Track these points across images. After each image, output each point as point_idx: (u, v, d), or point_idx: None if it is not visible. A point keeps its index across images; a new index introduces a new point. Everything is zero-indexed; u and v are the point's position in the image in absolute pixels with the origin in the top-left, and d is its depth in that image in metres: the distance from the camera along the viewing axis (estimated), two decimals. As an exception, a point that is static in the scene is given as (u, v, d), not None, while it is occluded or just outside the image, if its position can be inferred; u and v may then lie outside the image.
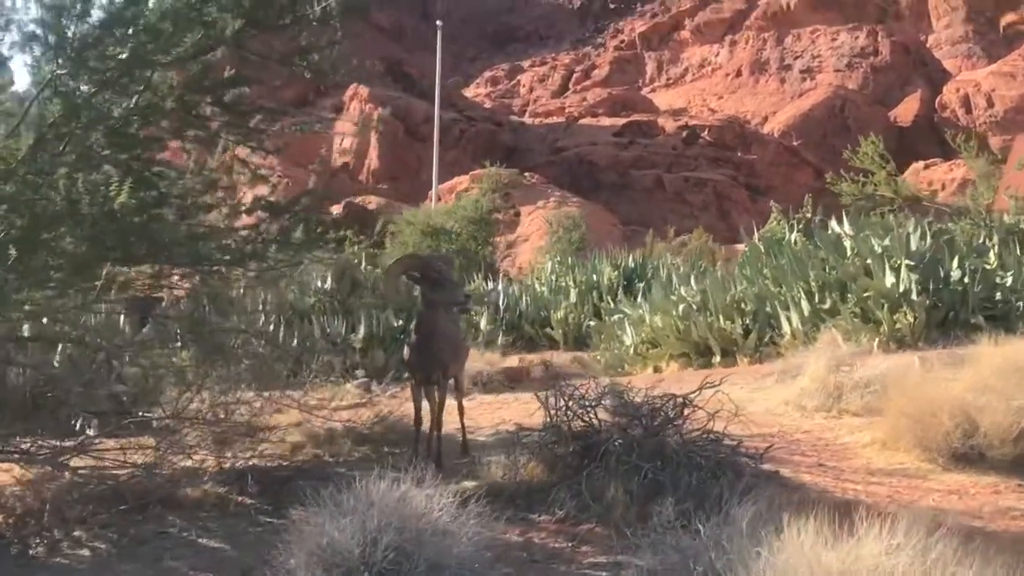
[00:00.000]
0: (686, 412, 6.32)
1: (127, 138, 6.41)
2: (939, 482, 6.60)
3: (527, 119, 67.75)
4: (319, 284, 15.78)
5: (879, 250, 11.90)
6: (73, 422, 7.54)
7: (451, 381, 7.38)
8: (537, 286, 20.60)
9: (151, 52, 5.98)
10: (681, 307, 13.42)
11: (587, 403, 6.27)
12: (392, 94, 60.10)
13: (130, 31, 5.92)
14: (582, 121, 65.04)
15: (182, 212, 6.88)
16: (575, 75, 75.18)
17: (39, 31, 5.73)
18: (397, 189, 52.58)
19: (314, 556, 4.25)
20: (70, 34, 5.69)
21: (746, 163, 60.76)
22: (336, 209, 50.37)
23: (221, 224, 6.97)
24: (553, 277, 20.61)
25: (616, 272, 19.37)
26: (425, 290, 6.78)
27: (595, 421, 6.23)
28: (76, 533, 5.51)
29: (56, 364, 8.35)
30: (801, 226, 14.42)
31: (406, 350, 6.89)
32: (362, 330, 14.28)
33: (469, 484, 6.25)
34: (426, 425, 7.09)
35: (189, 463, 6.68)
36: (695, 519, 4.79)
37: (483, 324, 16.69)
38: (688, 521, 4.95)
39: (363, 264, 16.78)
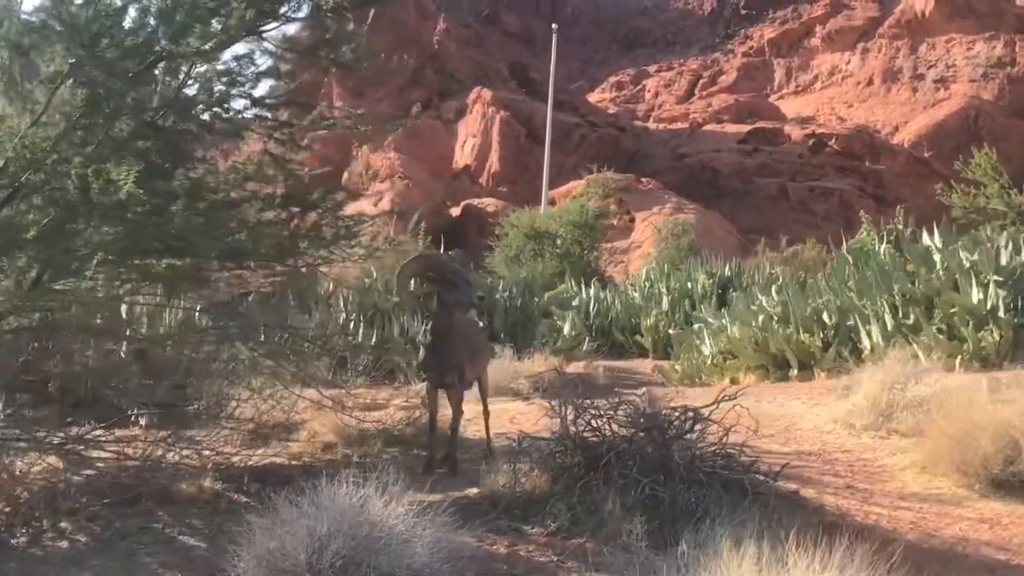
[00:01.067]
0: (698, 426, 6.05)
1: (155, 130, 6.43)
2: (973, 509, 6.24)
3: (651, 124, 67.19)
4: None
5: (967, 264, 11.38)
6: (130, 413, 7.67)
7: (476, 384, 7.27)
8: (631, 292, 20.34)
9: (171, 40, 5.98)
10: (760, 318, 13.05)
11: (598, 413, 6.07)
12: (515, 97, 60.27)
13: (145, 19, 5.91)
14: (706, 127, 64.24)
15: (214, 206, 6.84)
16: (702, 81, 74.36)
17: (47, 19, 5.73)
18: (516, 192, 52.61)
19: (263, 560, 4.17)
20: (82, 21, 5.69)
21: (874, 173, 59.19)
22: (455, 211, 50.86)
23: (251, 219, 6.93)
24: (647, 284, 20.32)
25: (711, 280, 18.98)
26: (440, 291, 6.68)
27: (607, 432, 6.03)
28: (63, 525, 5.50)
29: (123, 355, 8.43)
30: (892, 237, 13.86)
31: (421, 351, 6.80)
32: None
33: (471, 492, 6.15)
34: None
35: (194, 460, 6.64)
36: (680, 538, 4.61)
37: (566, 329, 16.48)
38: (671, 540, 4.78)
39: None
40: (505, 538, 5.44)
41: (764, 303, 13.48)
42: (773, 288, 14.43)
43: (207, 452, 6.85)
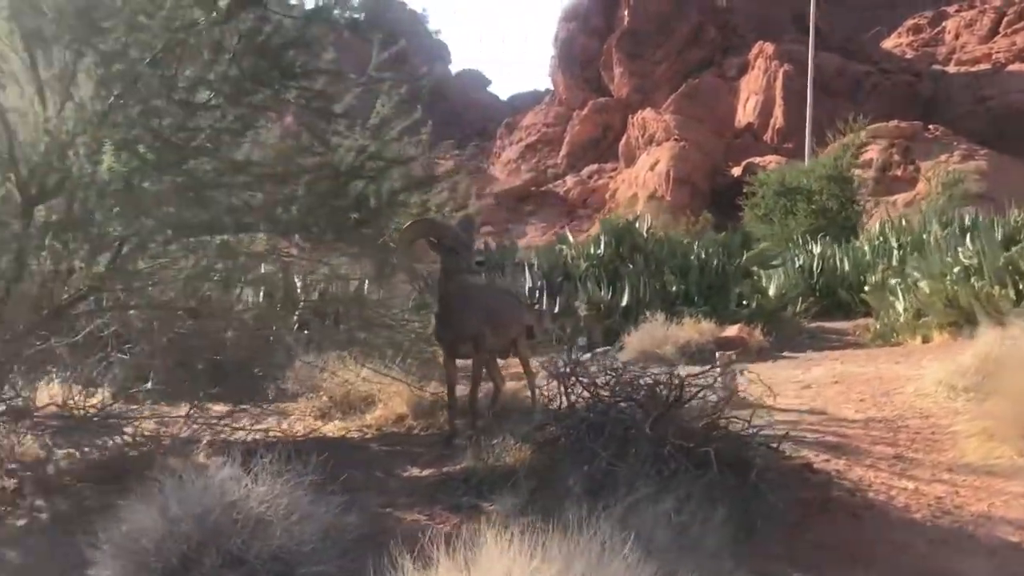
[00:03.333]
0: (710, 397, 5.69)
1: (183, 106, 6.55)
2: (1021, 482, 5.51)
3: (950, 68, 62.84)
4: (593, 249, 15.68)
5: None
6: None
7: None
8: (867, 248, 19.16)
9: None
10: (956, 270, 12.03)
11: (589, 384, 5.82)
12: (799, 49, 58.03)
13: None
14: (1011, 67, 59.38)
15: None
16: (1007, 18, 68.69)
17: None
18: (801, 148, 50.80)
19: (117, 545, 4.19)
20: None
21: None
22: (736, 170, 49.69)
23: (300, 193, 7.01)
24: (880, 239, 19.09)
25: (945, 231, 17.56)
26: (441, 256, 6.45)
27: (598, 402, 5.76)
28: (38, 503, 5.68)
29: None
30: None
31: (432, 319, 6.66)
32: (626, 296, 14.04)
33: (456, 468, 6.03)
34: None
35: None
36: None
37: (771, 290, 15.77)
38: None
39: (646, 228, 16.36)
40: (457, 516, 5.28)
41: (961, 255, 12.38)
42: (968, 237, 13.19)
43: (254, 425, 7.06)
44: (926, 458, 6.03)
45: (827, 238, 21.74)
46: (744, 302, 14.67)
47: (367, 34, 8.01)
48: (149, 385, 8.05)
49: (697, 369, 6.05)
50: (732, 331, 11.36)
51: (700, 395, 5.75)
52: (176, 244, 6.93)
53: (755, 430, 5.65)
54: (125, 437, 6.69)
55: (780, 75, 54.41)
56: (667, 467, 5.17)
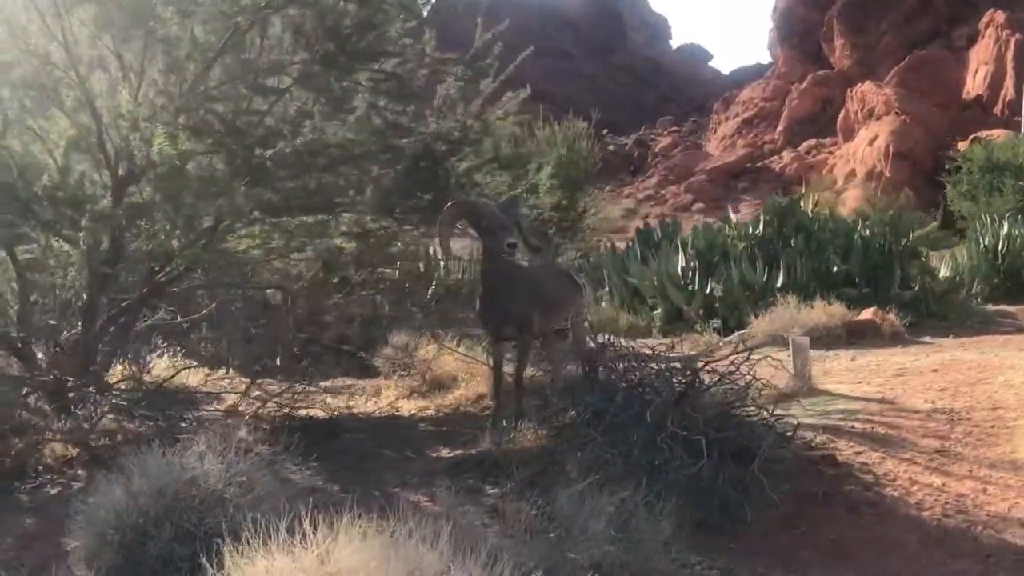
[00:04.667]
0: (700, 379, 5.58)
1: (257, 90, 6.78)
2: None
3: None
4: (752, 229, 15.34)
5: None
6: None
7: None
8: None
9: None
10: None
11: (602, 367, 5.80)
12: (1033, 17, 54.49)
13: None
14: None
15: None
16: None
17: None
18: (1037, 121, 47.76)
19: (85, 516, 4.39)
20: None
21: None
22: (962, 145, 47.20)
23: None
24: (1078, 215, 17.85)
25: None
26: (482, 238, 6.31)
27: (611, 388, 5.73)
28: (79, 472, 5.90)
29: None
30: None
31: (477, 302, 6.56)
32: (781, 277, 13.70)
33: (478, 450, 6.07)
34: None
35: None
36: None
37: (943, 271, 15.03)
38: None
39: (810, 207, 15.88)
40: (454, 498, 5.32)
41: None
42: None
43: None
44: (971, 453, 5.71)
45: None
46: (913, 284, 14.03)
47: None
48: (278, 362, 8.50)
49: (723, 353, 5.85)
50: (866, 314, 10.92)
51: (720, 383, 5.60)
52: (259, 225, 7.22)
53: (773, 420, 5.48)
54: (203, 412, 7.01)
55: (1012, 44, 51.22)
56: (660, 455, 5.08)
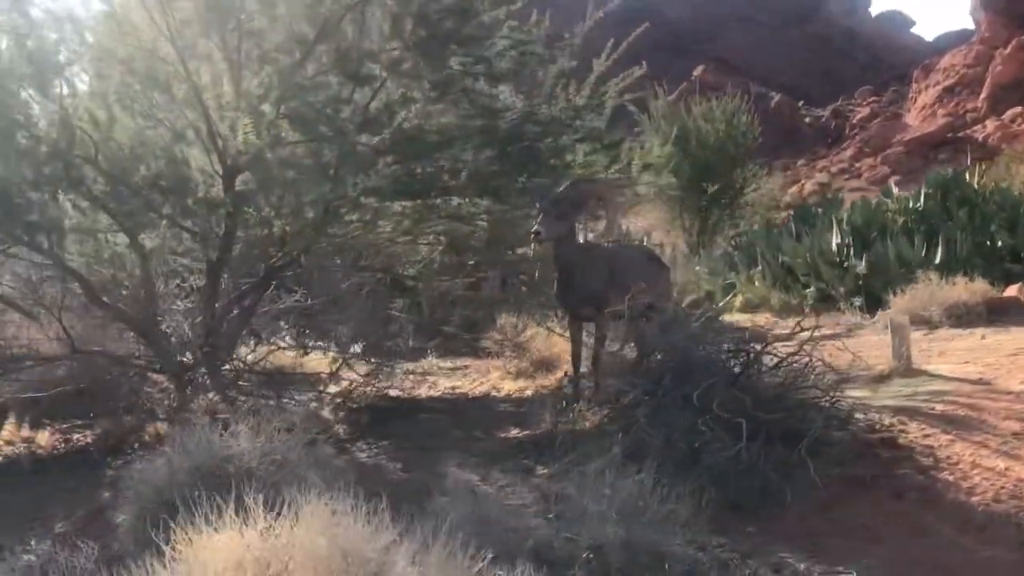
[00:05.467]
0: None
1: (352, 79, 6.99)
2: None
3: None
4: (912, 203, 14.80)
5: None
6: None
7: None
8: None
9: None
10: None
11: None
12: None
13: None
14: None
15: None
16: None
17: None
18: None
19: (130, 490, 4.65)
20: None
21: None
22: None
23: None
24: None
25: None
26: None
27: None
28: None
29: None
30: None
31: (554, 282, 6.67)
32: (939, 253, 13.19)
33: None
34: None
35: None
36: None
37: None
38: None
39: (977, 180, 15.19)
40: (507, 476, 5.46)
41: None
42: None
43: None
44: (1056, 441, 5.45)
45: None
46: None
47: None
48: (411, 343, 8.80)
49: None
50: (1011, 291, 10.42)
51: (782, 365, 5.55)
52: (359, 212, 7.44)
53: (830, 402, 5.39)
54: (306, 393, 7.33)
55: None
56: (701, 438, 5.08)
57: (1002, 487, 4.88)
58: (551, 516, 4.32)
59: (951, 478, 5.02)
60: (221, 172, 6.66)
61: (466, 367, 9.10)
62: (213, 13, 6.55)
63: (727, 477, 4.91)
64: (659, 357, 5.74)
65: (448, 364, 9.31)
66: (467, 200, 7.64)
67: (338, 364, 7.57)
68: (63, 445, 6.79)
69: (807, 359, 5.65)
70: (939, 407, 6.01)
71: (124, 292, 6.99)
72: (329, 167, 6.68)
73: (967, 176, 15.14)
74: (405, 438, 6.20)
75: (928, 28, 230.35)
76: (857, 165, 51.20)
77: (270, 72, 6.55)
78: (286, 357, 8.15)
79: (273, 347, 7.99)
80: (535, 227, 6.08)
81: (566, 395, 6.60)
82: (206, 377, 6.89)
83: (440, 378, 8.65)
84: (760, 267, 14.72)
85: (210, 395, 6.66)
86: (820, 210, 16.01)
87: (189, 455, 4.67)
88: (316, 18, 6.55)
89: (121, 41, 6.51)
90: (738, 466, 4.94)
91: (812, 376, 5.57)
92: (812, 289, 13.59)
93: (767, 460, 4.99)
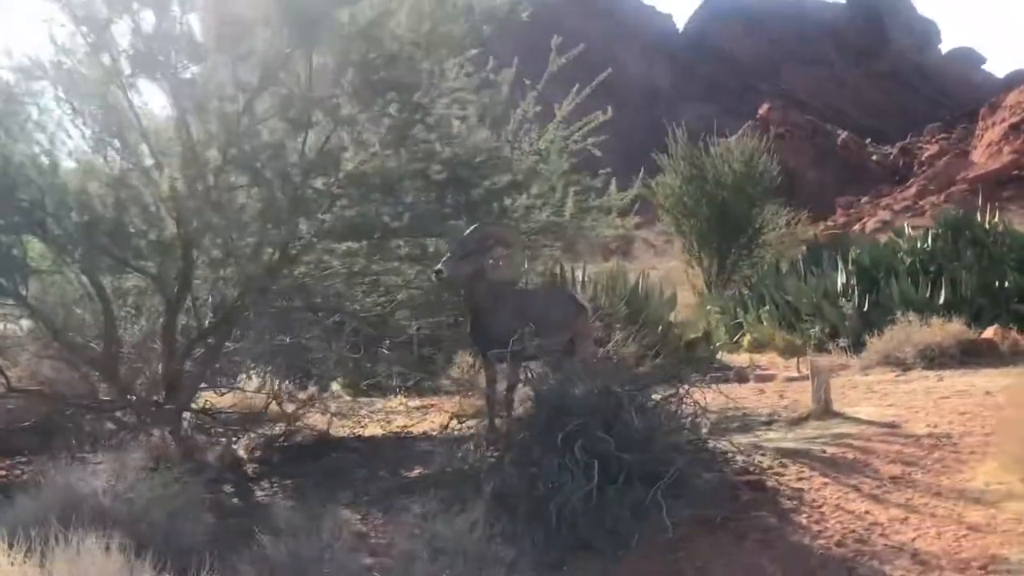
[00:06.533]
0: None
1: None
2: (989, 514, 4.95)
3: None
4: (919, 244, 14.67)
5: None
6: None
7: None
8: None
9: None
10: None
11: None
12: None
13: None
14: None
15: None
16: None
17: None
18: None
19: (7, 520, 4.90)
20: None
21: None
22: None
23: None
24: None
25: None
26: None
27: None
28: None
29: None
30: None
31: (469, 324, 6.77)
32: (943, 293, 13.05)
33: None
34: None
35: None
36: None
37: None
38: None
39: (986, 219, 15.01)
40: (385, 516, 5.58)
41: None
42: None
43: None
44: (929, 480, 5.48)
45: None
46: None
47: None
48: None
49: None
50: (988, 333, 10.33)
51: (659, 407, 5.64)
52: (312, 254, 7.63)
53: (699, 444, 5.47)
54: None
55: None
56: (563, 478, 5.17)
57: (852, 531, 4.91)
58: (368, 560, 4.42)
59: (805, 521, 5.06)
60: (174, 215, 6.84)
61: (431, 406, 9.23)
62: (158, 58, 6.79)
63: (577, 517, 4.98)
64: (535, 398, 5.79)
65: (416, 403, 9.45)
66: (410, 241, 7.78)
67: (269, 402, 7.67)
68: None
69: (690, 401, 5.71)
70: (831, 450, 6.05)
71: (78, 335, 7.23)
72: (279, 210, 6.87)
73: (978, 216, 14.95)
74: (309, 477, 6.35)
75: (1000, 65, 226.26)
76: (921, 203, 50.47)
77: (215, 118, 6.79)
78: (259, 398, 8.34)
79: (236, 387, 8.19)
80: (438, 266, 6.22)
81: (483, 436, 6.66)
82: (155, 417, 7.10)
83: (399, 417, 8.78)
84: (768, 307, 14.69)
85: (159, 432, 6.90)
86: (829, 251, 15.92)
87: (56, 490, 4.87)
88: (258, 65, 6.78)
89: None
90: (589, 506, 5.01)
91: (688, 419, 5.62)
92: (816, 329, 13.52)
93: (624, 501, 5.05)
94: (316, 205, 7.10)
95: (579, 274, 12.69)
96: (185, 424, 7.29)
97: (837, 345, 11.82)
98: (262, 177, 6.91)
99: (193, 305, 7.42)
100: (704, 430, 5.87)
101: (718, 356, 13.05)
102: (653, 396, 5.83)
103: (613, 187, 8.99)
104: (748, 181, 19.18)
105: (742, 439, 6.41)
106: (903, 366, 9.78)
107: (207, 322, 7.52)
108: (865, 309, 13.06)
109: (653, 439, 5.42)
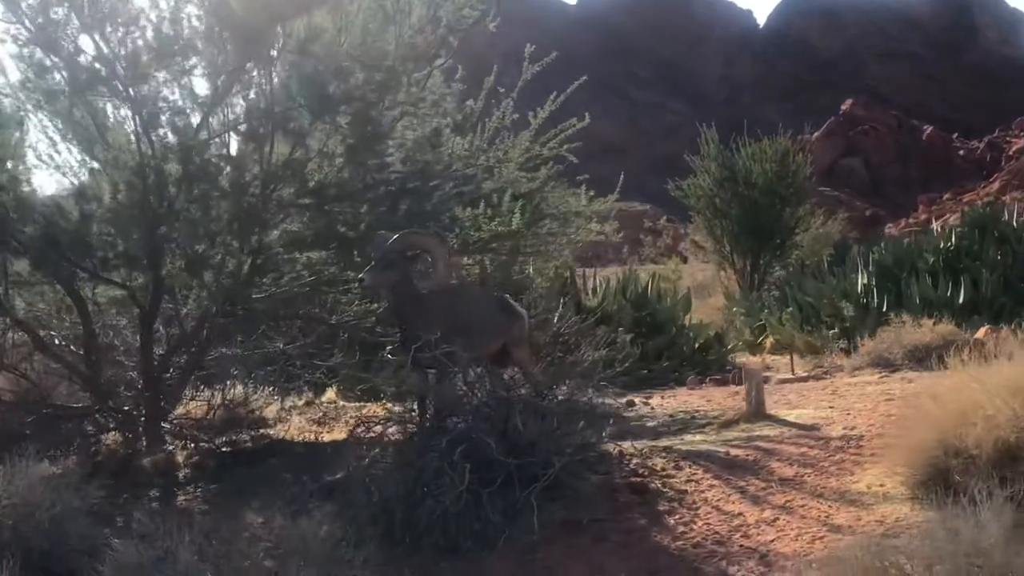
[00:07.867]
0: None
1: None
2: (852, 515, 4.98)
3: None
4: (943, 243, 14.41)
5: None
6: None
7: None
8: None
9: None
10: None
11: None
12: None
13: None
14: None
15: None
16: None
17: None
18: None
19: None
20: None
21: None
22: None
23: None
24: None
25: None
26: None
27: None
28: None
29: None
30: None
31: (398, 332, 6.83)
32: (962, 292, 12.83)
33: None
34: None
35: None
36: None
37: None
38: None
39: (1014, 217, 14.68)
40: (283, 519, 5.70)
41: None
42: None
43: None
44: (818, 482, 5.47)
45: None
46: None
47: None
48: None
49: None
50: (980, 333, 10.12)
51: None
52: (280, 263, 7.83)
53: (586, 446, 5.55)
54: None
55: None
56: (440, 481, 5.28)
57: (716, 532, 4.96)
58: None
59: (673, 523, 5.12)
60: (135, 227, 7.06)
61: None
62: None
63: (449, 521, 5.09)
64: (432, 404, 5.91)
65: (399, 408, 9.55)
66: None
67: (214, 411, 7.83)
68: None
69: (587, 404, 5.78)
70: (737, 452, 6.06)
71: (62, 343, 7.51)
72: (243, 221, 7.07)
73: (1005, 213, 14.62)
74: (234, 483, 6.51)
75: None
76: (1004, 198, 49.33)
77: (171, 130, 7.04)
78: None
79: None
80: (360, 275, 6.32)
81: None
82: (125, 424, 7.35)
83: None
84: (791, 308, 14.57)
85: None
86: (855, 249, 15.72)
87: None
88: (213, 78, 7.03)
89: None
90: (460, 509, 5.11)
91: (584, 423, 5.69)
92: (836, 330, 13.37)
93: (498, 504, 5.14)
94: (278, 216, 7.30)
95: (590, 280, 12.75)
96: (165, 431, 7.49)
97: (845, 346, 11.68)
98: (223, 189, 7.12)
99: (176, 314, 7.57)
100: (604, 433, 5.90)
101: (729, 358, 12.95)
102: (557, 399, 5.90)
103: (583, 192, 9.14)
104: (780, 182, 19.01)
105: (662, 442, 6.45)
106: (891, 367, 9.60)
107: (188, 329, 7.68)
108: (884, 309, 12.84)
109: (538, 443, 5.49)
